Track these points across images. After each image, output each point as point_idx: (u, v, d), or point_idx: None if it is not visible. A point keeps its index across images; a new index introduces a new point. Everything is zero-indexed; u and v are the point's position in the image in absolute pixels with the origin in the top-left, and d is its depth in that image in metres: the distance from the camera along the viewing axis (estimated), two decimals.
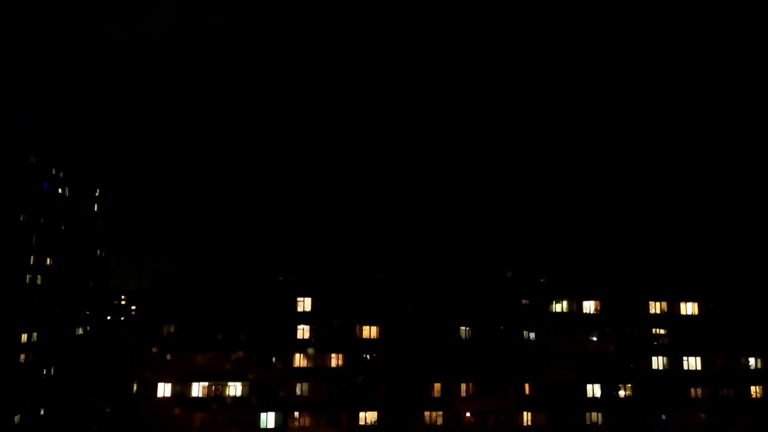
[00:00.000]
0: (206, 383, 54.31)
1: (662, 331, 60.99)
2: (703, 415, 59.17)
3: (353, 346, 56.80)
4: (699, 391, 59.52)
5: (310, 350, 56.15)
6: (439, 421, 56.18)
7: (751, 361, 60.88)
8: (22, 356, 61.04)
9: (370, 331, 57.44)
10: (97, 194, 74.83)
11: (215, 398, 54.18)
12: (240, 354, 54.76)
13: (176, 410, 53.03)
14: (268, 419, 54.50)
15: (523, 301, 60.34)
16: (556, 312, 60.44)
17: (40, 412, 63.12)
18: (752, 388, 60.30)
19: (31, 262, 63.13)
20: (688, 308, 61.60)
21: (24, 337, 61.32)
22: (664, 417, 58.59)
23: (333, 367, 56.20)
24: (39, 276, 64.10)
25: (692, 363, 60.14)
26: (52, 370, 65.51)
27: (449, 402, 56.56)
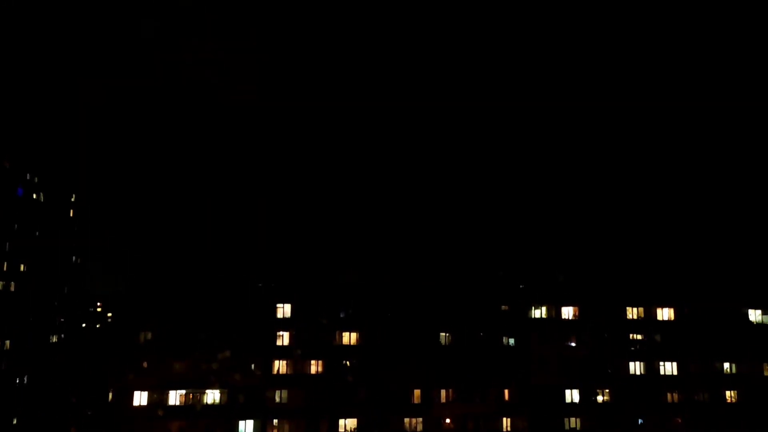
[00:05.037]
0: (184, 391, 53.66)
1: (639, 337, 61.75)
2: (680, 420, 59.90)
3: (333, 352, 56.58)
4: (675, 395, 60.30)
5: (290, 357, 55.83)
6: (419, 427, 56.14)
7: (726, 366, 61.88)
8: None
9: (350, 337, 57.31)
10: (72, 200, 73.76)
11: (193, 406, 53.54)
12: (218, 361, 54.23)
13: (153, 418, 52.31)
14: (246, 427, 54.01)
15: (503, 306, 60.70)
16: (535, 318, 60.86)
17: (12, 421, 61.79)
18: (727, 393, 61.27)
19: (5, 269, 61.98)
20: (665, 314, 62.45)
21: None
22: (641, 421, 59.22)
23: (312, 374, 55.93)
24: (12, 282, 62.93)
25: (668, 368, 60.94)
26: (26, 379, 64.23)
27: (429, 408, 56.55)
